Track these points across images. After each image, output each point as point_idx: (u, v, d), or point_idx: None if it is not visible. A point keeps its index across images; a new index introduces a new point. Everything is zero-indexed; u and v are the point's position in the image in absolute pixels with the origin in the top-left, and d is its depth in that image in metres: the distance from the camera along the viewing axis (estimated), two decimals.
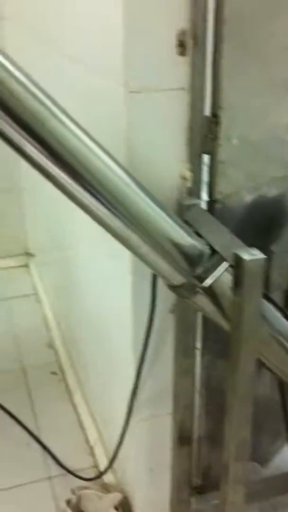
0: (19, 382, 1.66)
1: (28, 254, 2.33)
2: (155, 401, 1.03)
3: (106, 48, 0.80)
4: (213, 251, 0.72)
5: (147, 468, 1.12)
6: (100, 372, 1.34)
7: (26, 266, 2.31)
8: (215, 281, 0.70)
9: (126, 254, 0.82)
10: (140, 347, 0.93)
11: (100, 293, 1.22)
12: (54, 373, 1.70)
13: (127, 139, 0.77)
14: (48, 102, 0.58)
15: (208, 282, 0.70)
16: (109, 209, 0.64)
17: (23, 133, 0.56)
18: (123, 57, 0.72)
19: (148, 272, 0.85)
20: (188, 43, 0.73)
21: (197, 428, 1.09)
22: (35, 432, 1.48)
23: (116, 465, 1.21)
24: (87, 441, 1.46)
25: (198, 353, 0.97)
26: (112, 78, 0.78)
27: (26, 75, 0.55)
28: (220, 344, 0.85)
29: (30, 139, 0.56)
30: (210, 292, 0.71)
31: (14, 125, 0.56)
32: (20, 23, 1.61)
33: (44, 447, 1.43)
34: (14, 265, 2.30)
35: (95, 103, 0.91)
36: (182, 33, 0.72)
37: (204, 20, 0.71)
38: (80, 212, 0.67)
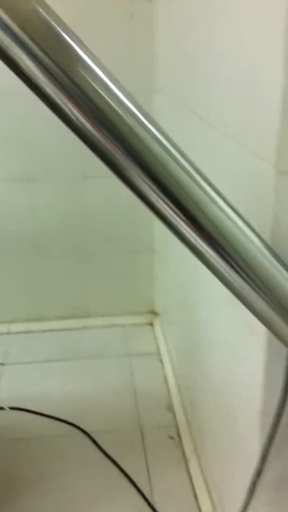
0: (136, 443, 1.66)
1: (154, 313, 2.37)
2: (279, 485, 0.98)
3: (257, 126, 0.82)
4: None
5: None
6: (219, 443, 1.31)
7: (151, 324, 2.35)
8: None
9: (260, 328, 0.81)
10: (268, 426, 0.90)
11: (226, 362, 1.20)
12: (171, 437, 1.68)
13: (273, 217, 0.78)
14: (199, 178, 0.60)
15: None
16: (251, 286, 0.64)
17: (175, 209, 0.59)
18: (277, 137, 0.73)
19: (283, 350, 0.82)
20: None
21: None
22: (148, 496, 1.46)
23: None
24: None
25: None
26: (261, 156, 0.80)
27: (186, 157, 0.58)
28: None
29: (183, 216, 0.58)
30: None
31: (169, 202, 0.58)
32: (170, 95, 1.70)
33: None
34: (139, 322, 2.35)
35: (241, 178, 0.93)
36: None
37: None
38: (208, 277, 0.67)
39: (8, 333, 2.26)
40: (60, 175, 2.08)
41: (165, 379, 1.97)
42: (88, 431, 1.70)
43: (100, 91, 0.55)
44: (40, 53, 0.53)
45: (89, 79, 0.56)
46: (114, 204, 2.11)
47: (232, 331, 1.13)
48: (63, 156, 2.03)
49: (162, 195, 0.57)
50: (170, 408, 1.82)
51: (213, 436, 1.38)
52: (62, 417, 1.75)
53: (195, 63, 1.30)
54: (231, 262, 0.60)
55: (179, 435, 1.69)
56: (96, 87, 0.56)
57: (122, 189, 0.61)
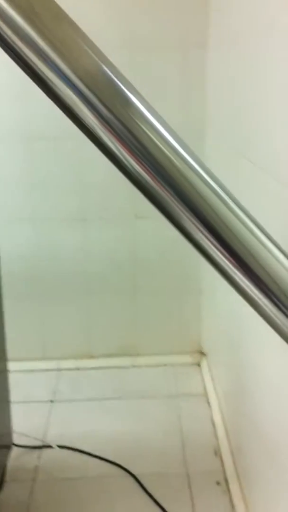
0: (182, 487, 1.63)
1: (201, 353, 2.35)
2: None
3: None
4: None
5: None
6: (267, 492, 1.27)
7: (198, 364, 2.32)
8: None
9: None
10: None
11: (276, 408, 1.18)
12: (218, 483, 1.65)
13: None
14: (252, 225, 0.61)
15: None
16: None
17: (228, 256, 0.59)
18: None
19: None
20: None
21: None
22: None
23: None
24: None
25: None
26: None
27: (239, 204, 0.59)
28: None
29: (235, 263, 0.59)
30: None
31: (220, 247, 0.59)
32: (223, 140, 1.72)
33: None
34: (187, 362, 2.33)
35: None
36: None
37: None
38: (259, 320, 0.67)
39: (57, 369, 2.29)
40: (112, 215, 2.12)
41: (212, 422, 1.93)
42: (134, 473, 1.68)
43: (157, 142, 0.58)
44: (102, 107, 0.56)
45: (148, 132, 0.58)
46: (164, 244, 2.14)
47: (283, 377, 1.11)
48: (115, 196, 2.08)
49: (213, 241, 0.58)
50: (217, 452, 1.78)
51: (261, 483, 1.35)
52: (108, 457, 1.75)
53: (250, 110, 1.32)
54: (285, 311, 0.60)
55: (226, 481, 1.65)
56: (154, 139, 0.58)
57: (171, 230, 0.62)
